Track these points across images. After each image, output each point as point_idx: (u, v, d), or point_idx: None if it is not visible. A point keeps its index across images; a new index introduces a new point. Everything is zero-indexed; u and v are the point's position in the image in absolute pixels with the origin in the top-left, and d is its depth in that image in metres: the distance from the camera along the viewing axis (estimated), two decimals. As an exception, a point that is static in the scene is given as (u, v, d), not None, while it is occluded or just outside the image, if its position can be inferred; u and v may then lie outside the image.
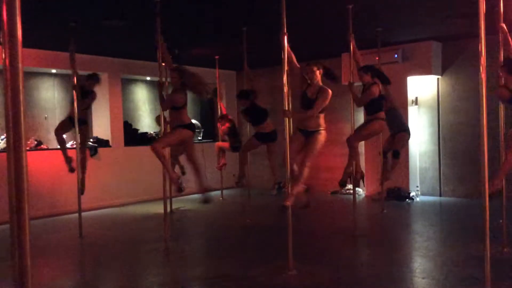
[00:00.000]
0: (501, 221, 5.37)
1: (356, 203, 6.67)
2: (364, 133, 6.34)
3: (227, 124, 8.93)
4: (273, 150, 7.16)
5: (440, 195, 9.27)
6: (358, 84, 6.83)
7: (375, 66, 6.72)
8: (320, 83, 5.08)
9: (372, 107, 6.21)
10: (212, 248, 6.23)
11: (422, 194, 9.34)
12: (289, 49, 4.86)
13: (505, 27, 5.03)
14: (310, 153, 5.04)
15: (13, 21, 1.38)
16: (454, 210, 8.03)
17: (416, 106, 9.49)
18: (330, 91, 4.98)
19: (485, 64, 3.53)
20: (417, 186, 9.34)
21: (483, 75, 3.51)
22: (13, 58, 1.39)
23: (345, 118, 9.74)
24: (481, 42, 3.48)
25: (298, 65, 5.05)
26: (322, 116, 5.06)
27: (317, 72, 5.03)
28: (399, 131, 7.23)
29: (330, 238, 6.36)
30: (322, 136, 5.04)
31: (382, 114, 6.23)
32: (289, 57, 4.84)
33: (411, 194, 9.05)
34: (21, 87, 1.40)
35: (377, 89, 6.13)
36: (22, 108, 1.39)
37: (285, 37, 4.69)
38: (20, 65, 1.40)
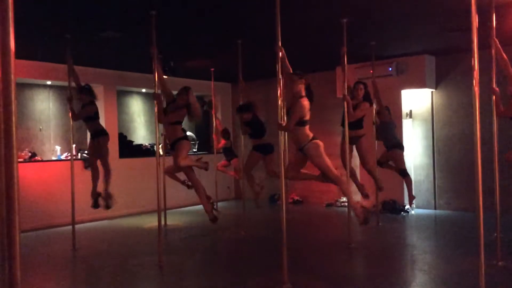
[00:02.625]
0: (495, 234, 5.37)
1: (351, 216, 6.65)
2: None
3: (224, 142, 9.05)
4: (271, 159, 7.08)
5: (435, 208, 9.27)
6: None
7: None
8: (300, 94, 4.88)
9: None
10: (206, 261, 6.19)
11: (417, 207, 9.33)
12: (284, 54, 4.78)
13: (497, 42, 5.07)
14: (323, 170, 4.94)
15: (5, 32, 1.38)
16: (449, 223, 8.03)
17: (411, 119, 9.53)
18: (303, 102, 4.77)
19: (478, 78, 3.56)
20: (412, 199, 9.33)
21: (477, 89, 3.53)
22: (6, 68, 1.38)
23: (339, 131, 9.75)
24: (474, 56, 3.51)
25: (289, 67, 4.94)
26: (305, 128, 4.88)
27: (298, 82, 4.84)
28: (392, 146, 7.30)
29: (325, 250, 6.33)
30: (311, 148, 4.88)
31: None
32: (282, 61, 4.74)
33: (406, 207, 9.04)
34: (13, 98, 1.39)
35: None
36: (14, 119, 1.38)
37: (280, 51, 4.69)
38: (12, 76, 1.40)
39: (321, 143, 4.93)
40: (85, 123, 6.97)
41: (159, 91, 5.82)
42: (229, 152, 9.66)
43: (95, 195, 6.89)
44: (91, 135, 6.95)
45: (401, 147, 7.44)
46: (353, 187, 7.05)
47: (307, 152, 4.91)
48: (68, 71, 6.70)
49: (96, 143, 6.81)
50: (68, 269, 6.01)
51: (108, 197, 6.88)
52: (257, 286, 4.72)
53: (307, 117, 4.89)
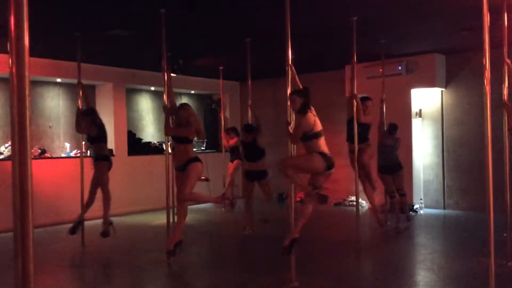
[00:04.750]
0: (505, 235, 5.33)
1: (360, 215, 6.64)
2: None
3: (236, 139, 8.69)
4: (265, 184, 7.07)
5: (444, 208, 9.22)
6: (362, 96, 6.87)
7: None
8: (300, 112, 4.74)
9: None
10: (213, 259, 6.20)
11: (426, 207, 9.29)
12: (294, 71, 4.74)
13: (509, 62, 5.03)
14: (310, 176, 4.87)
15: (20, 30, 1.40)
16: (458, 223, 7.98)
17: (420, 118, 9.48)
18: (304, 118, 4.64)
19: (489, 77, 3.53)
20: (421, 199, 9.30)
21: (488, 88, 3.51)
22: (20, 66, 1.40)
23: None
24: (485, 55, 3.49)
25: (299, 85, 4.88)
26: (317, 140, 4.71)
27: (297, 100, 4.70)
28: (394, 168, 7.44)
29: (333, 249, 6.32)
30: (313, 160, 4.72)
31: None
32: (293, 78, 4.71)
33: (414, 207, 9.00)
34: (27, 95, 1.40)
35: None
36: (28, 116, 1.40)
37: (290, 69, 4.68)
38: (26, 73, 1.41)
39: (320, 159, 4.69)
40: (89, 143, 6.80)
41: (168, 103, 5.67)
42: (233, 153, 9.19)
43: (78, 219, 6.54)
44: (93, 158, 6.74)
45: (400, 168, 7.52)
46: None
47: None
48: (78, 70, 6.74)
49: (96, 168, 6.58)
50: (77, 266, 6.05)
51: (107, 224, 6.54)
52: (265, 284, 4.72)
53: (316, 129, 4.71)
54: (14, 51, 1.38)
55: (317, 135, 4.69)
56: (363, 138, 6.66)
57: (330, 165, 4.67)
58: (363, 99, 6.84)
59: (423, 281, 4.80)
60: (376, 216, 7.11)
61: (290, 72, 4.68)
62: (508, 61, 5.04)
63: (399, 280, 4.88)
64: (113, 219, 8.83)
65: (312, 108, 4.82)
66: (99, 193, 6.52)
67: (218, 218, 9.11)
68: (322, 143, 4.71)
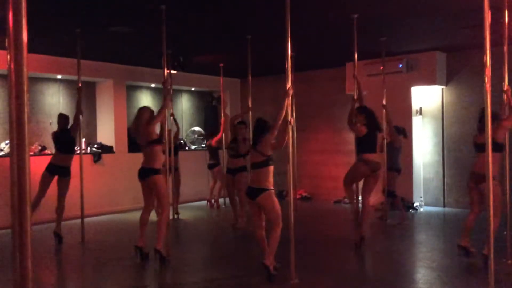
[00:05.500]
0: (505, 233, 5.33)
1: (359, 213, 6.63)
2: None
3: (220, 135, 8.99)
4: (241, 180, 7.22)
5: (444, 206, 9.22)
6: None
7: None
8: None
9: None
10: (214, 255, 6.21)
11: (426, 205, 9.29)
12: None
13: (509, 91, 5.03)
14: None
15: (18, 26, 1.39)
16: (458, 221, 7.97)
17: (421, 116, 9.47)
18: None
19: (490, 75, 3.52)
20: (421, 197, 9.30)
21: (488, 86, 3.50)
22: (18, 62, 1.39)
23: (348, 127, 9.72)
24: (486, 53, 3.48)
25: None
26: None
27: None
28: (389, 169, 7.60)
29: (332, 247, 6.32)
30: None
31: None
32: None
33: (414, 205, 9.00)
34: (25, 91, 1.40)
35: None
36: (26, 112, 1.39)
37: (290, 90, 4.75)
38: (25, 69, 1.41)
39: None
40: None
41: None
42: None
43: (56, 231, 6.62)
44: None
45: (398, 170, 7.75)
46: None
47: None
48: (78, 66, 6.74)
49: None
50: (76, 262, 6.06)
51: (58, 234, 6.59)
52: (264, 281, 4.72)
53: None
54: (12, 47, 1.38)
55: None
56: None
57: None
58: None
59: (422, 279, 4.80)
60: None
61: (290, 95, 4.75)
62: (509, 88, 5.03)
63: (399, 277, 4.88)
64: (113, 215, 8.87)
65: None
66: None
67: (217, 215, 9.12)
68: None
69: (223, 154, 9.13)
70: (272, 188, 4.68)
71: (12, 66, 1.38)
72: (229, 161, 7.42)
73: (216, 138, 9.08)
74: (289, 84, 4.72)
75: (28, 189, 1.37)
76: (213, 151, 9.30)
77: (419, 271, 5.19)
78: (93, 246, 6.57)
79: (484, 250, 5.21)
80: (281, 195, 10.78)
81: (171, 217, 7.70)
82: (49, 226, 7.75)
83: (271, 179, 4.68)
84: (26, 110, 1.38)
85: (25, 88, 1.39)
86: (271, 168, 4.69)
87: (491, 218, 3.56)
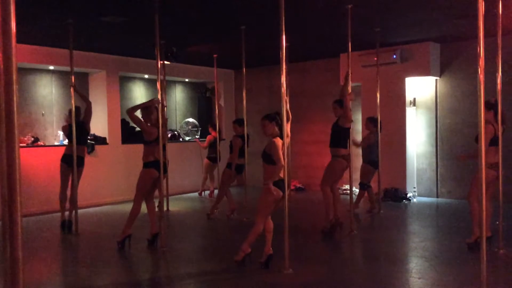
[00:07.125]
0: (497, 222, 5.37)
1: (353, 203, 6.66)
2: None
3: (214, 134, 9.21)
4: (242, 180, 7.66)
5: (437, 197, 9.27)
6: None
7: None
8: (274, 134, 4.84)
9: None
10: (208, 247, 6.21)
11: (419, 195, 9.34)
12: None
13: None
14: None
15: (7, 13, 1.37)
16: (450, 212, 8.03)
17: (414, 107, 9.49)
18: (276, 142, 4.73)
19: (484, 66, 3.52)
20: (414, 187, 9.34)
21: (482, 77, 3.50)
22: (7, 51, 1.37)
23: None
24: (480, 44, 3.47)
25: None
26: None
27: (269, 125, 4.83)
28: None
29: (326, 237, 6.35)
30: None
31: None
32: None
33: (408, 195, 9.05)
34: (14, 81, 1.38)
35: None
36: (15, 102, 1.38)
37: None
38: (13, 58, 1.39)
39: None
40: None
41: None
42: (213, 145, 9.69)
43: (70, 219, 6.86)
44: None
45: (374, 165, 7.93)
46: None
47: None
48: (70, 57, 6.68)
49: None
50: (69, 253, 6.05)
51: (71, 222, 6.90)
52: (258, 271, 4.74)
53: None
54: (1, 36, 1.36)
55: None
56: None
57: None
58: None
59: (415, 269, 4.83)
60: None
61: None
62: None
63: (392, 267, 4.91)
64: (108, 207, 8.85)
65: None
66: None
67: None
68: None
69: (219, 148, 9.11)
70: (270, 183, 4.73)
71: (0, 55, 1.36)
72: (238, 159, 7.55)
73: (213, 134, 9.33)
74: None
75: (18, 180, 1.36)
76: (214, 144, 9.39)
77: (412, 260, 5.22)
78: (87, 237, 6.57)
79: (468, 239, 5.30)
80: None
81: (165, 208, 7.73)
82: (40, 218, 7.73)
83: (272, 175, 4.74)
84: (15, 100, 1.36)
85: (14, 78, 1.37)
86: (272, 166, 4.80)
87: (483, 208, 3.57)
